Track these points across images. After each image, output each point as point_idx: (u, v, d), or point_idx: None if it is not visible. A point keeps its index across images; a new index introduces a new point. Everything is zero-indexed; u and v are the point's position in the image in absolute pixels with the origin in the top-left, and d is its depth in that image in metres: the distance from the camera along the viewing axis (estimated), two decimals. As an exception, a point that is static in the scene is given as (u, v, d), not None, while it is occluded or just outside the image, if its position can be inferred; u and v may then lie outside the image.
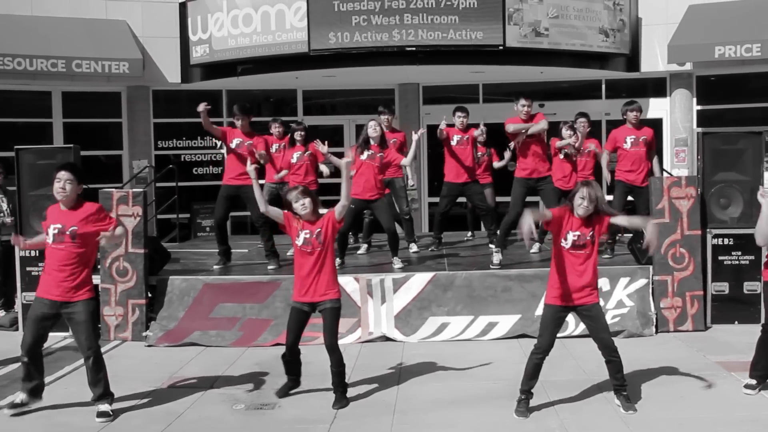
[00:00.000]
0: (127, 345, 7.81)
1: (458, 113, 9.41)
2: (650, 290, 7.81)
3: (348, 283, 7.76)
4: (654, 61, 13.13)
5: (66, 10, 12.83)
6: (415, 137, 8.39)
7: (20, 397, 5.59)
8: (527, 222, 5.12)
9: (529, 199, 8.60)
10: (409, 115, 13.81)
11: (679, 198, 7.78)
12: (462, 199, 10.00)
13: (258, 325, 7.80)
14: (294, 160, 9.27)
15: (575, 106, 9.93)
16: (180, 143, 14.28)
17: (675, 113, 13.60)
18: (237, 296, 7.98)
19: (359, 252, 9.72)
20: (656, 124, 13.56)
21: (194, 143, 14.30)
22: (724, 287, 7.92)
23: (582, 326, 6.88)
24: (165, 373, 6.65)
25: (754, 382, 5.69)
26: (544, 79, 13.52)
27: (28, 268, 8.12)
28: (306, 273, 5.66)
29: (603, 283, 7.58)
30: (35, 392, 5.60)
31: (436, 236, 9.91)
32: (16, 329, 8.17)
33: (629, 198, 8.90)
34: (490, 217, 9.61)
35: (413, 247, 9.51)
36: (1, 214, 8.82)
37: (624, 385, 5.43)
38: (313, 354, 5.98)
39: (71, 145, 8.35)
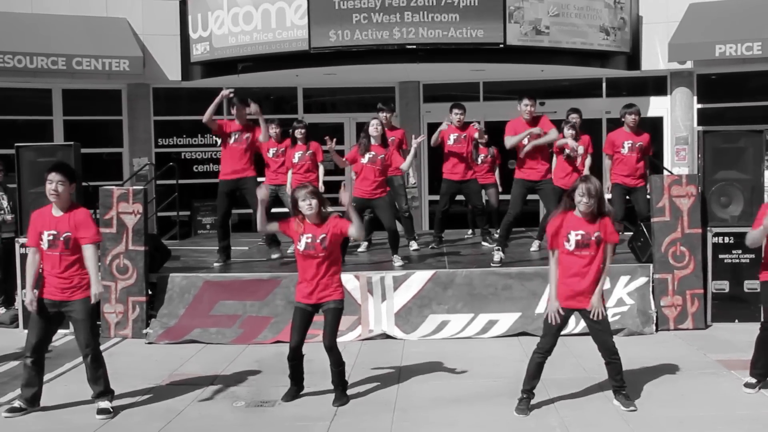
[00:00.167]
0: (128, 342, 7.81)
1: (455, 110, 9.44)
2: (650, 288, 7.81)
3: (348, 280, 7.75)
4: (655, 59, 13.12)
5: (66, 7, 12.83)
6: (414, 144, 8.40)
7: (18, 402, 5.59)
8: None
9: (529, 197, 8.61)
10: (409, 113, 13.82)
11: (680, 196, 7.78)
12: (461, 197, 10.00)
13: (258, 323, 7.80)
14: (296, 160, 9.35)
15: (576, 105, 9.92)
16: (180, 141, 14.29)
17: (675, 112, 13.60)
18: (237, 294, 7.98)
19: (359, 250, 9.72)
20: (657, 123, 13.61)
21: (194, 141, 14.30)
22: (724, 285, 7.92)
23: (582, 324, 6.87)
24: (165, 371, 6.66)
25: (754, 380, 5.69)
26: (545, 78, 13.52)
27: (27, 267, 8.09)
28: (310, 276, 5.63)
29: (603, 281, 7.58)
30: (33, 400, 5.59)
31: (436, 234, 9.92)
32: (17, 326, 8.18)
33: (627, 197, 8.95)
34: (485, 216, 9.65)
35: (413, 245, 9.51)
36: (2, 212, 8.82)
37: (623, 386, 5.42)
38: (314, 352, 5.98)
39: (71, 143, 8.36)
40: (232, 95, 8.42)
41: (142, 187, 8.51)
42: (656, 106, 13.78)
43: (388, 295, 7.87)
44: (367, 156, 8.34)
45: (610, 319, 5.75)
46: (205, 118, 8.40)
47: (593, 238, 5.26)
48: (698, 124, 13.32)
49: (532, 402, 5.46)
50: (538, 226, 12.38)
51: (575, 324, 7.23)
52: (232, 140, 8.57)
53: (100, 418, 5.43)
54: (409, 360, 6.87)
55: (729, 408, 5.38)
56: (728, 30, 12.17)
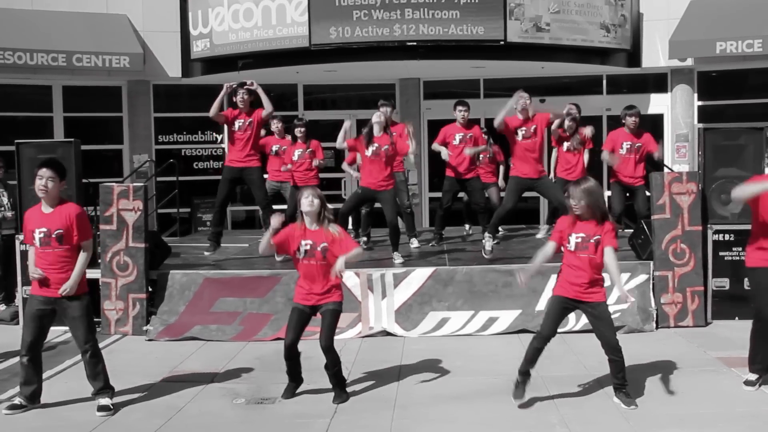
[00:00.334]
0: (128, 339, 7.82)
1: (459, 107, 9.41)
2: (651, 286, 7.82)
3: (348, 277, 7.76)
4: (655, 56, 13.12)
5: (66, 4, 12.82)
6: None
7: (18, 399, 5.59)
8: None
9: (527, 194, 8.60)
10: (409, 110, 13.80)
11: (680, 193, 7.78)
12: (461, 195, 9.98)
13: (258, 320, 7.80)
14: (295, 158, 9.38)
15: (576, 102, 9.91)
16: (180, 137, 14.28)
17: (676, 109, 13.59)
18: (237, 291, 7.98)
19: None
20: (657, 120, 13.60)
21: (195, 138, 14.30)
22: (724, 283, 7.92)
23: (583, 321, 6.89)
24: (165, 368, 6.66)
25: (754, 378, 5.69)
26: (545, 75, 13.50)
27: (28, 263, 8.09)
28: (311, 282, 5.64)
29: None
30: (33, 398, 5.59)
31: (437, 231, 9.90)
32: (17, 323, 8.18)
33: (626, 195, 8.95)
34: (486, 214, 9.62)
35: (414, 242, 9.50)
36: (2, 209, 8.82)
37: (625, 384, 5.42)
38: (313, 349, 5.97)
39: (72, 140, 8.35)
40: (235, 86, 8.53)
41: (142, 184, 8.51)
42: (657, 103, 13.77)
43: (388, 292, 7.88)
44: (371, 148, 8.30)
45: (610, 316, 5.76)
46: (211, 113, 8.57)
47: (592, 241, 5.28)
48: (699, 122, 13.31)
49: (532, 398, 5.46)
50: (537, 223, 12.43)
51: (575, 321, 7.24)
52: (236, 127, 8.68)
53: (100, 415, 5.43)
54: (410, 357, 6.87)
55: (729, 405, 5.38)
56: (729, 27, 12.16)
